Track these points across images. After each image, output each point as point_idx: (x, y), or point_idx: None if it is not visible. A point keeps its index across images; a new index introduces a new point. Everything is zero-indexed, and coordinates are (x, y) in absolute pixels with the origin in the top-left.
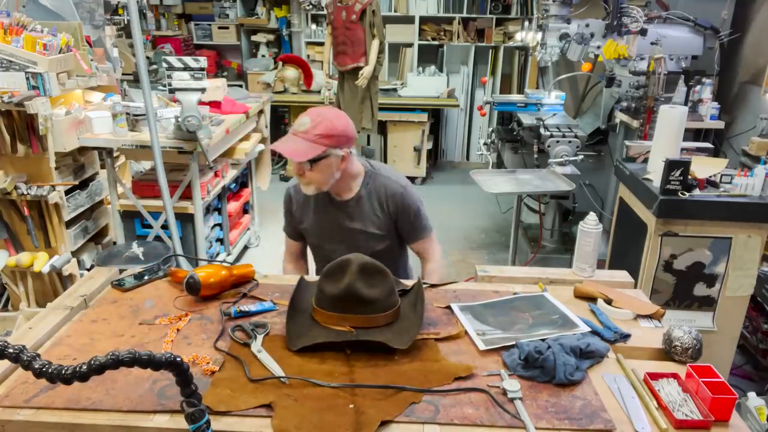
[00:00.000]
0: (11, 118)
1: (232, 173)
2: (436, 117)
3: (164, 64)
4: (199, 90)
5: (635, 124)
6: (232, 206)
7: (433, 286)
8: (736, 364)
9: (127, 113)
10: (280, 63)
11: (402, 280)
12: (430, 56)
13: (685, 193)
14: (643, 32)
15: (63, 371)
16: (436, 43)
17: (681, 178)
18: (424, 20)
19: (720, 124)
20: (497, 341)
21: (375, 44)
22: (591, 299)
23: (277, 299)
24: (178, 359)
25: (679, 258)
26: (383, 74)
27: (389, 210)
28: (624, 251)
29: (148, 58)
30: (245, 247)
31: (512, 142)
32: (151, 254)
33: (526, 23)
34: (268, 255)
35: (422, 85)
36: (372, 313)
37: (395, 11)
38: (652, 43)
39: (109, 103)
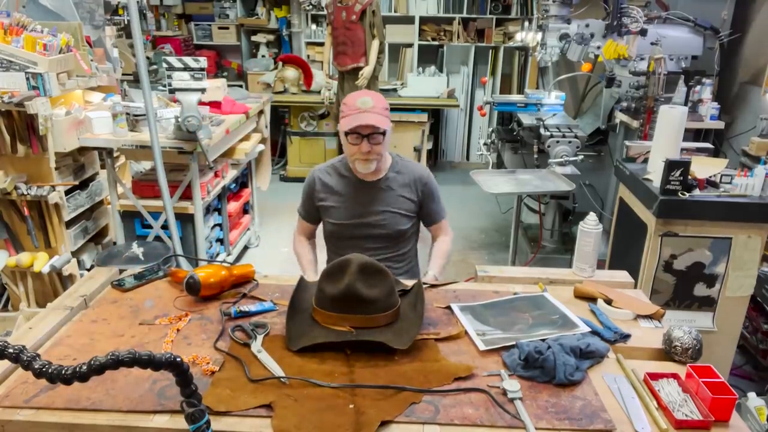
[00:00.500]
0: (11, 118)
1: (232, 173)
2: (436, 117)
3: (164, 65)
4: (199, 90)
5: (635, 124)
6: (232, 206)
7: (433, 286)
8: (736, 364)
9: (127, 113)
10: (280, 63)
11: (402, 280)
12: (430, 56)
13: (685, 193)
14: (643, 32)
15: (63, 371)
16: (436, 43)
17: (681, 178)
18: (424, 20)
19: (720, 124)
20: (497, 341)
21: (375, 44)
22: (591, 299)
23: (277, 299)
24: (178, 359)
25: (679, 258)
26: (383, 74)
27: (418, 191)
28: (624, 251)
29: (148, 58)
30: (245, 247)
31: (512, 142)
32: (151, 254)
33: (526, 23)
34: (268, 255)
35: (422, 85)
36: (372, 313)
37: (395, 11)
38: (652, 43)
39: (109, 103)
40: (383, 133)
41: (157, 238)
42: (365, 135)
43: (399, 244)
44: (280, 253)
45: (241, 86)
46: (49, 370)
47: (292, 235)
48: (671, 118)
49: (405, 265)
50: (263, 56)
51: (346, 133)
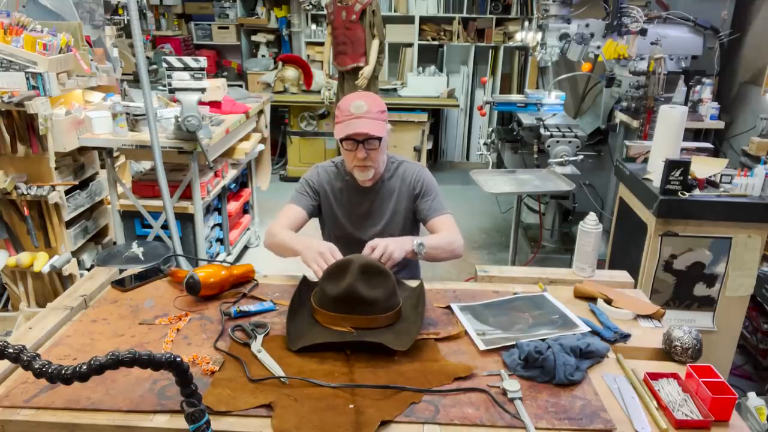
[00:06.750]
0: (11, 118)
1: (232, 173)
2: (436, 117)
3: (164, 64)
4: (199, 90)
5: (635, 124)
6: (232, 206)
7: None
8: (736, 364)
9: (127, 113)
10: (280, 63)
11: (404, 281)
12: (430, 56)
13: (685, 193)
14: (643, 32)
15: (63, 371)
16: (436, 43)
17: (681, 178)
18: (424, 20)
19: (720, 124)
20: (497, 341)
21: (375, 44)
22: (591, 299)
23: (277, 299)
24: (178, 359)
25: (679, 258)
26: (383, 74)
27: (414, 188)
28: (624, 251)
29: (148, 58)
30: (245, 247)
31: (512, 142)
32: (151, 254)
33: (526, 23)
34: (268, 255)
35: (422, 85)
36: (373, 313)
37: (395, 11)
38: (652, 43)
39: (109, 103)
40: (379, 139)
41: (157, 238)
42: (360, 141)
43: None
44: None
45: (241, 86)
46: (49, 370)
47: (267, 233)
48: (671, 118)
49: (407, 270)
50: (263, 56)
51: (341, 140)
